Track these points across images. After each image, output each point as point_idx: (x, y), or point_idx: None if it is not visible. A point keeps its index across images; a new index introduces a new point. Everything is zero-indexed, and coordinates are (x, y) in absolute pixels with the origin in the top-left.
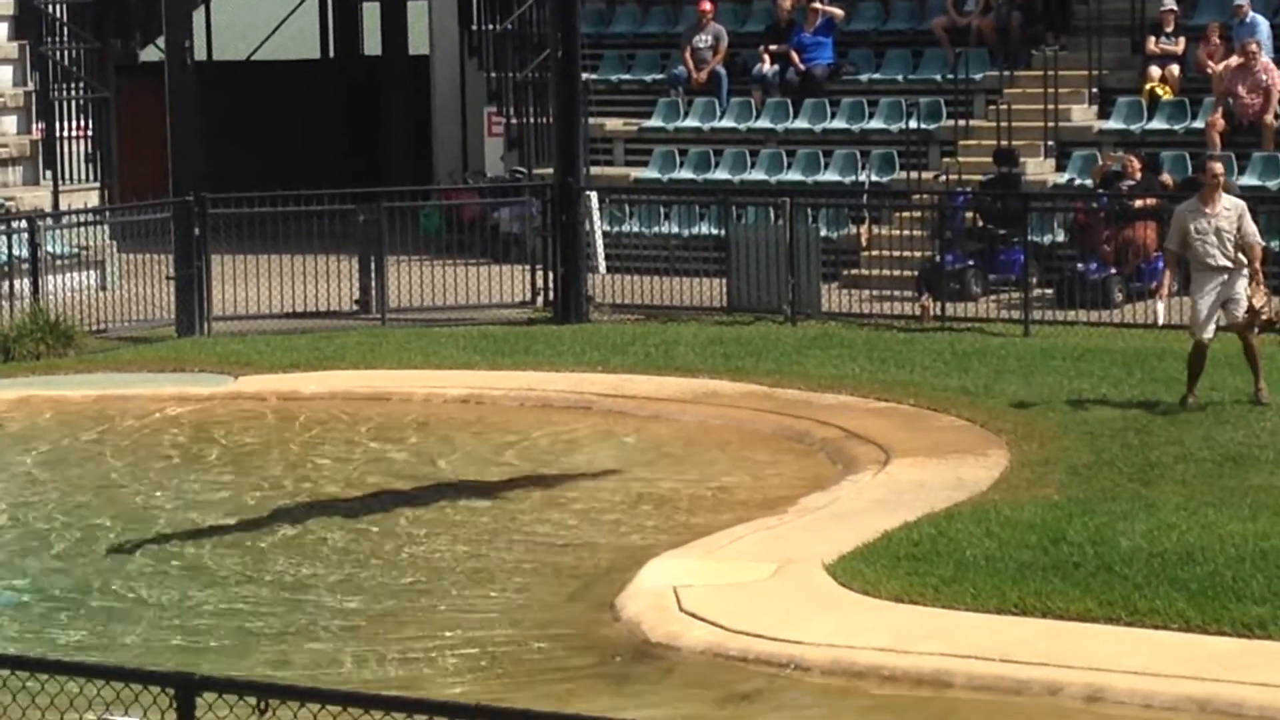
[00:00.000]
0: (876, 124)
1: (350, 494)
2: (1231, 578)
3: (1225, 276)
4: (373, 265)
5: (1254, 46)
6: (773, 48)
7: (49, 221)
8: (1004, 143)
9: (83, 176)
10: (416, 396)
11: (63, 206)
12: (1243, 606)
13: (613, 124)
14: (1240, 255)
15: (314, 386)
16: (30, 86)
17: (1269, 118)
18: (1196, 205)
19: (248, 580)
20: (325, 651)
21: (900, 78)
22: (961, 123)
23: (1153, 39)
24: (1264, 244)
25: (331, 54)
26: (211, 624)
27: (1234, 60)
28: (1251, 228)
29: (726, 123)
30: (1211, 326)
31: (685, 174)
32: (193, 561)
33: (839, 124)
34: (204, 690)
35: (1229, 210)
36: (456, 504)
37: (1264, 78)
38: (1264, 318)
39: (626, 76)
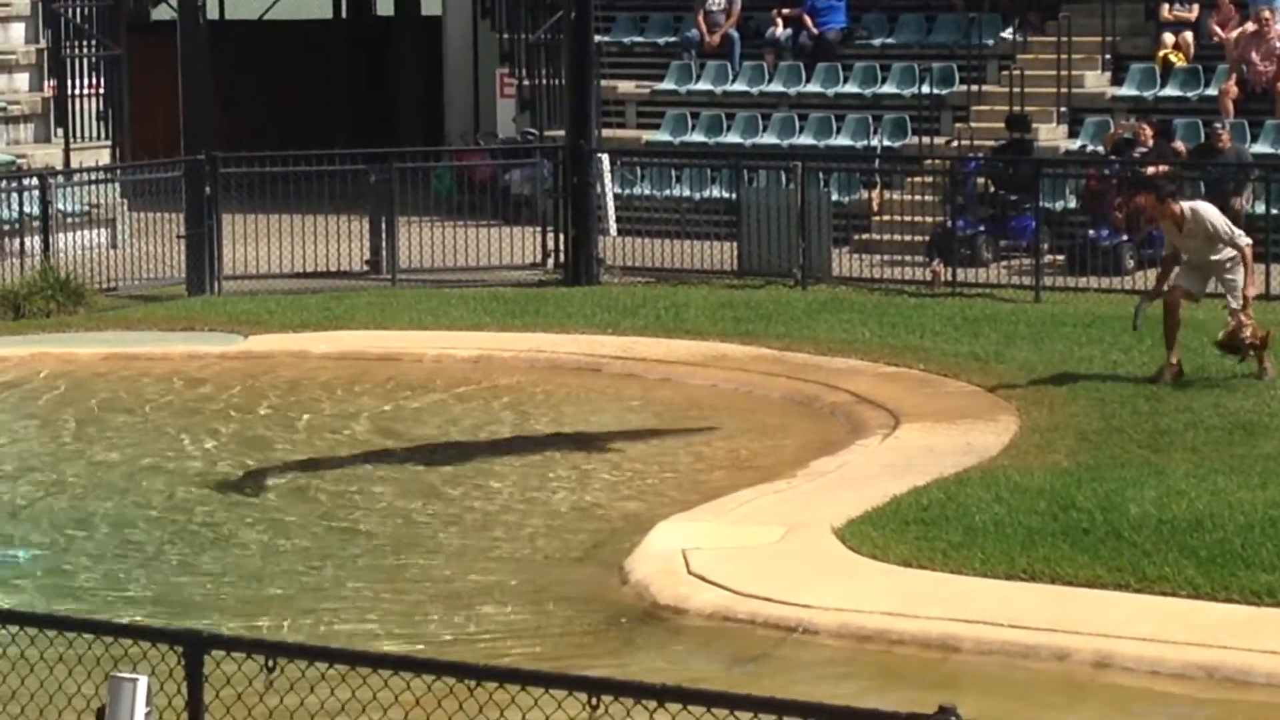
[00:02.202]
0: (889, 88)
1: (356, 453)
2: (1240, 545)
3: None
4: (383, 226)
5: (1267, 14)
6: (785, 11)
7: (60, 179)
8: (1017, 108)
9: (94, 134)
10: (427, 357)
11: (74, 164)
12: (1251, 574)
13: (625, 86)
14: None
15: (324, 346)
16: (42, 44)
17: None
18: (1169, 227)
19: (254, 538)
20: (330, 610)
21: (913, 42)
22: (974, 88)
23: (1166, 6)
24: (1249, 242)
25: (344, 14)
26: (221, 577)
27: (1248, 27)
28: (1225, 229)
29: (739, 86)
30: (1186, 281)
31: (697, 137)
32: (196, 521)
33: (851, 88)
34: (212, 648)
35: (1194, 227)
36: (464, 465)
37: (1278, 45)
38: (1245, 337)
39: (639, 39)
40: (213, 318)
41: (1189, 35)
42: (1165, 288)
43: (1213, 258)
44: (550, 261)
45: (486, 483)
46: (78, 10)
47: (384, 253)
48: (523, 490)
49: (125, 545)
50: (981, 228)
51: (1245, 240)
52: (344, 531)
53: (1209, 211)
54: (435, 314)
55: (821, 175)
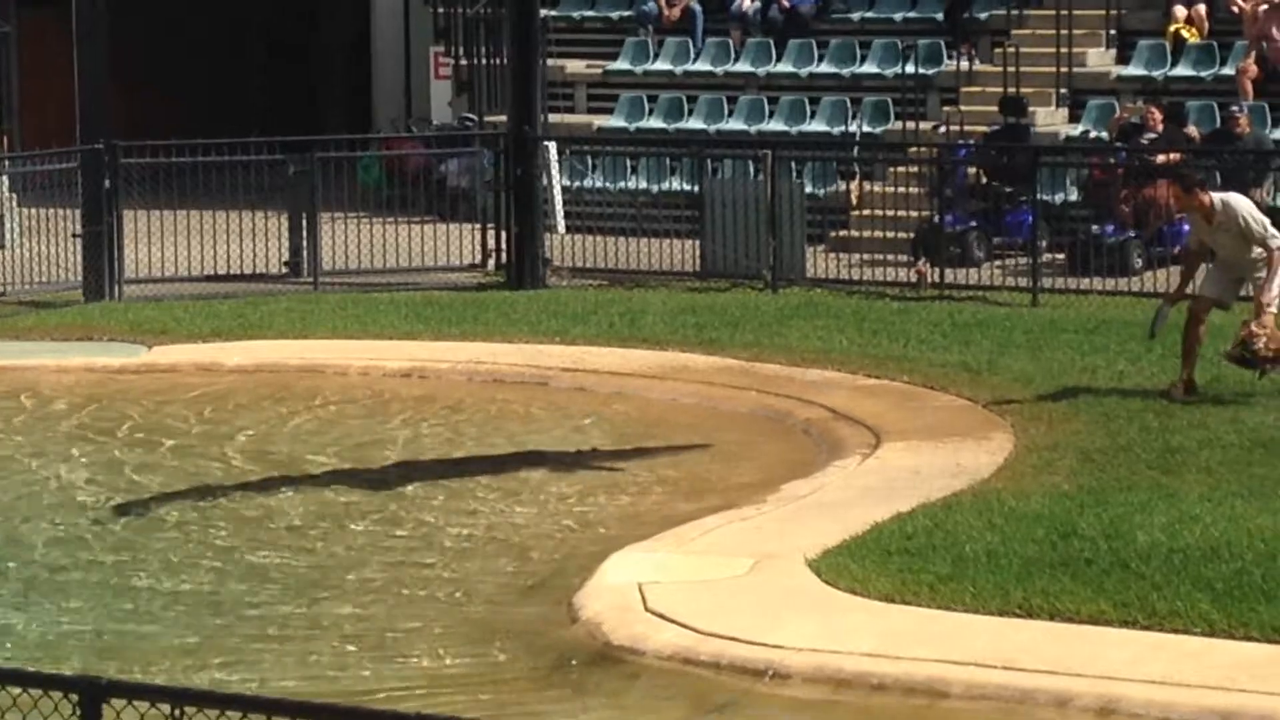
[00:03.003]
0: (869, 68)
1: (276, 478)
2: (1261, 576)
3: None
4: (304, 223)
5: None
6: None
7: None
8: (1011, 90)
9: None
10: (353, 369)
11: None
12: (1272, 609)
13: (574, 66)
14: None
15: (237, 358)
16: None
17: None
18: (1198, 220)
19: (149, 572)
20: (255, 653)
21: (896, 16)
22: (964, 67)
23: None
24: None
25: None
26: (122, 621)
27: (1268, 0)
28: (1259, 228)
29: (701, 65)
30: (1215, 288)
31: (655, 123)
32: (76, 556)
33: (827, 68)
34: (112, 696)
35: (1225, 220)
36: (396, 491)
37: None
38: (1257, 347)
39: (590, 13)
40: (113, 326)
41: (1203, 8)
42: (1191, 293)
43: (1248, 256)
44: (491, 262)
45: (419, 511)
46: None
47: (305, 253)
48: (461, 519)
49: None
50: (973, 223)
51: (1277, 243)
52: (258, 567)
53: (1242, 205)
54: (362, 321)
55: (794, 165)
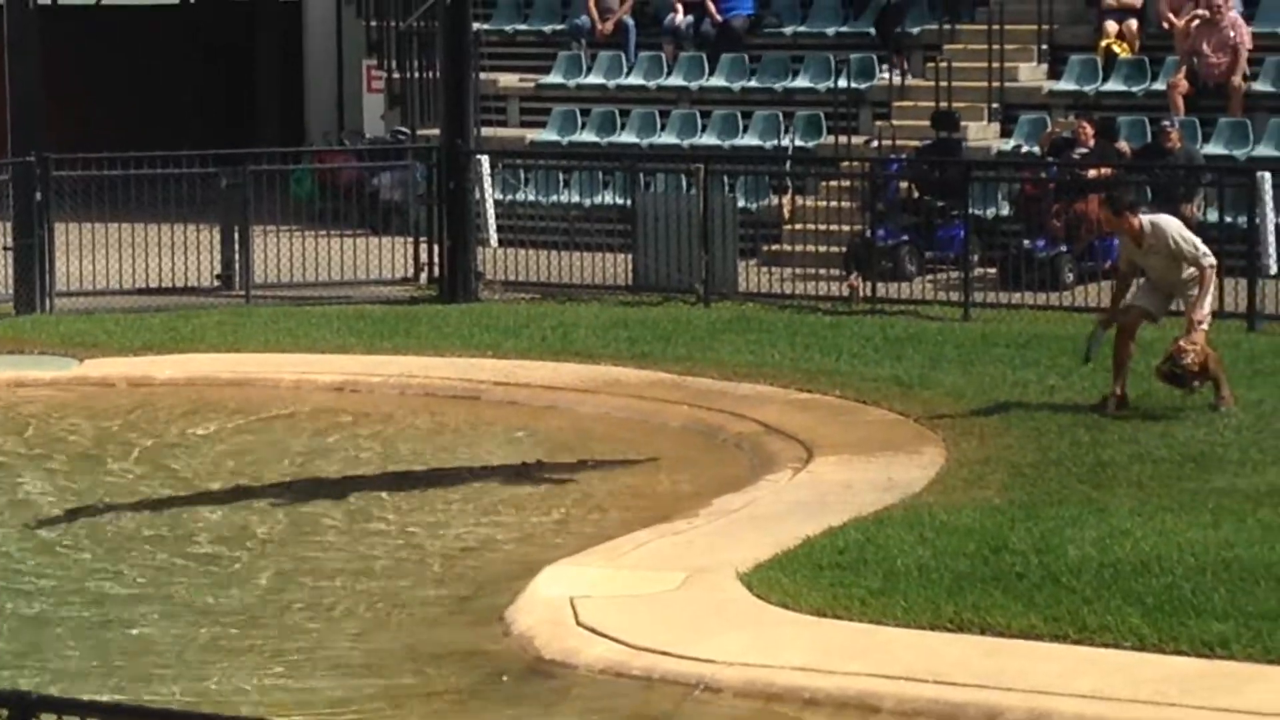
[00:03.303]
0: (801, 82)
1: (207, 491)
2: (1191, 590)
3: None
4: (236, 236)
5: (1220, 0)
6: None
7: None
8: (943, 104)
9: None
10: (284, 383)
11: None
12: (1203, 623)
13: (507, 80)
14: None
15: (169, 371)
16: None
17: (1237, 79)
18: (1128, 242)
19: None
20: (180, 669)
21: (829, 31)
22: (896, 81)
23: None
24: (1213, 263)
25: None
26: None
27: (1199, 15)
28: (1189, 248)
29: (634, 79)
30: (1145, 300)
31: (587, 136)
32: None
33: (760, 82)
34: (42, 710)
35: (1155, 243)
36: (325, 504)
37: (1232, 35)
38: (1186, 362)
39: (523, 27)
40: (44, 339)
41: (1134, 23)
42: (1136, 304)
43: (1179, 276)
44: (423, 276)
45: (346, 525)
46: None
47: (237, 266)
48: (389, 533)
49: None
50: (905, 237)
51: (1210, 260)
52: (181, 585)
53: (1171, 226)
54: (294, 335)
55: (726, 179)
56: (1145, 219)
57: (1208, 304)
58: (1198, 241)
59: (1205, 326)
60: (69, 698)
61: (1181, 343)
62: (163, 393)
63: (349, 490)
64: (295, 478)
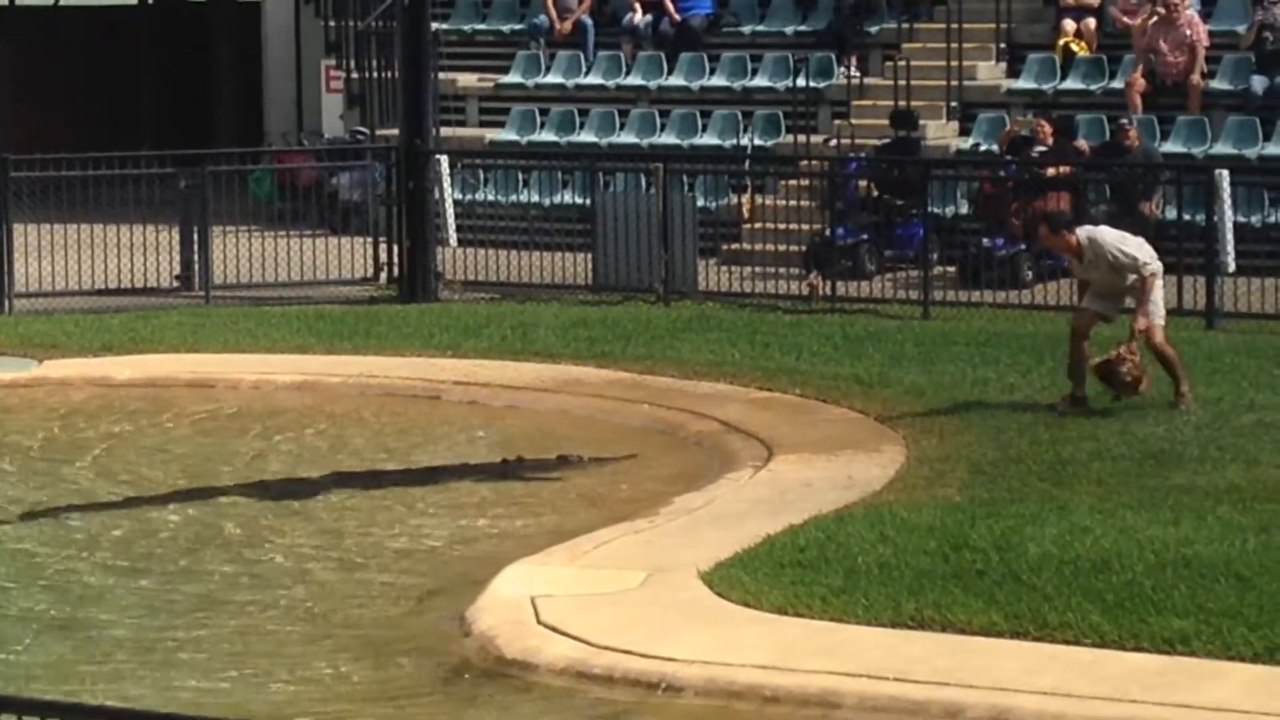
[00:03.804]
0: (760, 81)
1: (166, 492)
2: (1151, 587)
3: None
4: (195, 236)
5: None
6: None
7: None
8: (902, 103)
9: None
10: (244, 383)
11: None
12: (1163, 619)
13: (466, 80)
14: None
15: (129, 372)
16: None
17: (1195, 78)
18: (1071, 259)
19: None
20: (135, 672)
21: (787, 30)
22: (855, 80)
23: None
24: (1154, 271)
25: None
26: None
27: (1156, 13)
28: (1128, 260)
29: (593, 79)
30: (1097, 303)
31: (547, 136)
32: None
33: (719, 81)
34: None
35: (1094, 258)
36: (285, 504)
37: (1189, 33)
38: (1121, 371)
39: (481, 26)
40: (2, 340)
41: (1092, 22)
42: (1089, 308)
43: (1124, 284)
44: (383, 276)
45: (306, 523)
46: None
47: (196, 266)
48: (349, 532)
49: None
50: (864, 236)
51: (1151, 268)
52: (143, 585)
53: (1107, 239)
54: (254, 335)
55: (686, 178)
56: (1083, 234)
57: (1150, 311)
58: (1137, 252)
59: (1159, 336)
60: (8, 696)
61: (1122, 350)
62: (122, 393)
63: (305, 491)
64: (251, 478)
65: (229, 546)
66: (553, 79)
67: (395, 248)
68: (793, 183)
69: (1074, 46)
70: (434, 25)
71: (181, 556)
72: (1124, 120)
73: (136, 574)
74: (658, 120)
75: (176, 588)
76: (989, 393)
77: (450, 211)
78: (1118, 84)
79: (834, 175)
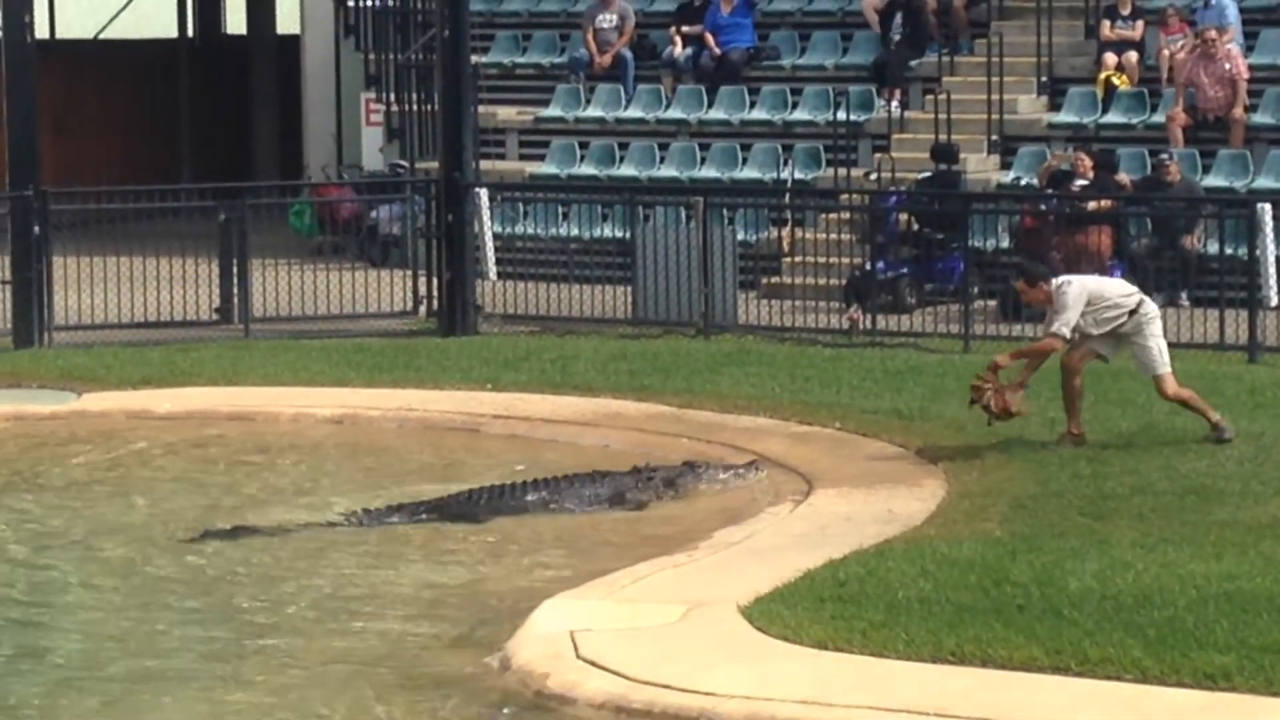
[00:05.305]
0: (801, 114)
1: (208, 523)
2: (1193, 623)
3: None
4: (235, 269)
5: (1212, 33)
6: (685, 28)
7: None
8: (943, 137)
9: None
10: (284, 416)
11: None
12: (1205, 655)
13: (505, 113)
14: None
15: (168, 405)
16: None
17: (1237, 111)
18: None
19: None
20: (173, 703)
21: (828, 63)
22: (896, 114)
23: (1108, 22)
24: (1056, 336)
25: (190, 33)
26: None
27: (1196, 47)
28: (1051, 314)
29: (633, 112)
30: (1100, 343)
31: (587, 169)
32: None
33: (759, 114)
34: None
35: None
36: (325, 535)
37: (1228, 67)
38: (984, 401)
39: (521, 60)
40: (42, 373)
41: (1133, 55)
42: (1064, 335)
43: (1105, 330)
44: (422, 309)
45: (347, 553)
46: None
47: (235, 300)
48: (393, 566)
49: None
50: (904, 270)
51: (1053, 332)
52: (184, 615)
53: (1065, 290)
54: (293, 368)
55: (726, 212)
56: (1055, 285)
57: (1158, 362)
58: (1064, 313)
59: (1171, 386)
60: None
61: (987, 374)
62: (162, 426)
63: (345, 524)
64: (289, 512)
65: (270, 575)
66: (593, 112)
67: (435, 281)
68: (833, 216)
69: (1115, 80)
70: (474, 58)
71: (222, 584)
72: (1165, 154)
73: (172, 600)
74: (698, 154)
75: (216, 616)
76: (1029, 427)
77: (490, 245)
78: (1159, 118)
79: (874, 209)
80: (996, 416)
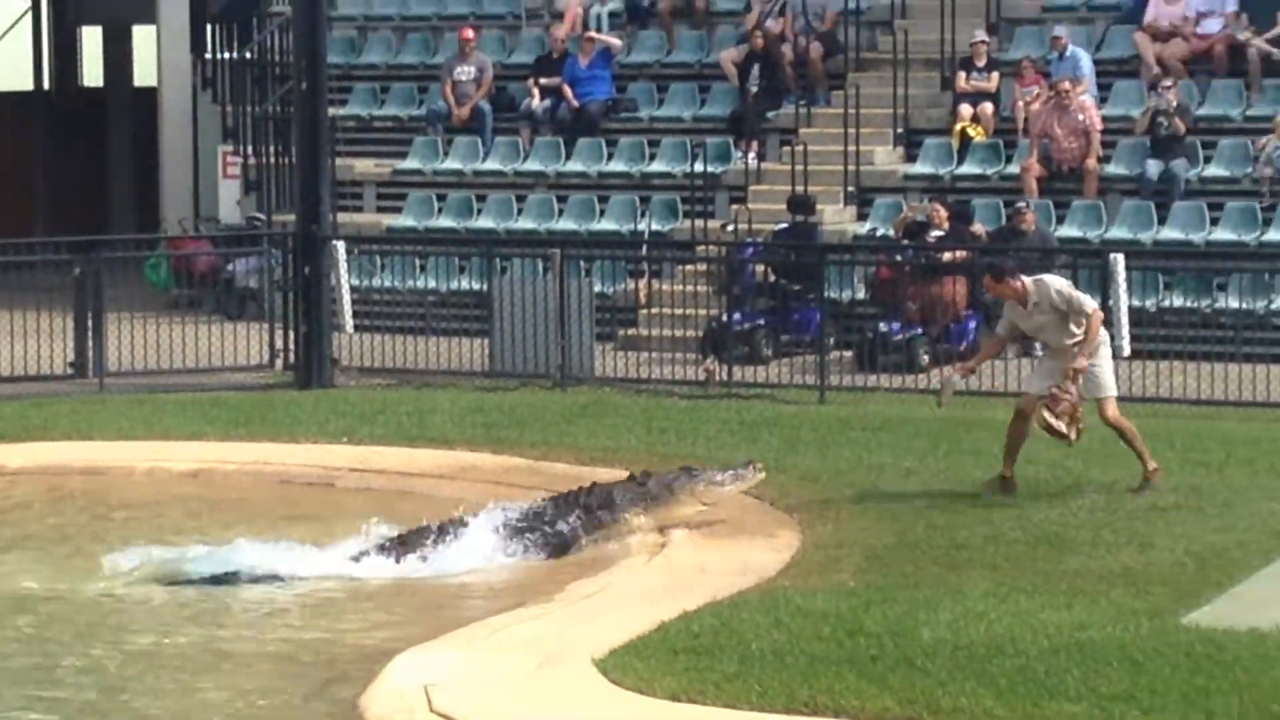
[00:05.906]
0: (658, 166)
1: (56, 580)
2: (1044, 672)
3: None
4: (90, 323)
5: (1066, 85)
6: (543, 81)
7: None
8: (800, 188)
9: None
10: (138, 470)
11: None
12: (1056, 704)
13: (363, 165)
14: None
15: (20, 460)
16: None
17: (1090, 162)
18: (1015, 307)
19: None
20: None
21: (685, 114)
22: (753, 165)
23: (964, 74)
24: (1095, 305)
25: (45, 85)
26: None
27: (1050, 98)
28: (1076, 300)
29: (491, 164)
30: (1042, 383)
31: (445, 222)
32: None
33: (616, 166)
34: None
35: (1040, 300)
36: (173, 591)
37: (1082, 118)
38: (1053, 415)
39: (379, 112)
40: None
41: (988, 107)
42: (1030, 391)
43: (1067, 341)
44: (279, 362)
45: (197, 609)
46: None
47: (90, 354)
48: (239, 619)
49: None
50: (761, 321)
51: (1092, 305)
52: (36, 679)
53: (1054, 281)
54: (148, 422)
55: (583, 263)
56: (1028, 280)
57: (1105, 385)
58: (1074, 289)
59: (1112, 410)
60: None
61: (1056, 390)
62: (13, 481)
63: (199, 580)
64: (143, 570)
65: (108, 645)
66: (451, 164)
67: (291, 334)
68: (690, 268)
69: (971, 131)
70: (331, 110)
71: (63, 646)
72: (1020, 204)
73: (11, 658)
74: (555, 205)
75: (57, 679)
76: (885, 478)
77: (347, 297)
78: (1014, 169)
79: (731, 260)
80: (1068, 427)
